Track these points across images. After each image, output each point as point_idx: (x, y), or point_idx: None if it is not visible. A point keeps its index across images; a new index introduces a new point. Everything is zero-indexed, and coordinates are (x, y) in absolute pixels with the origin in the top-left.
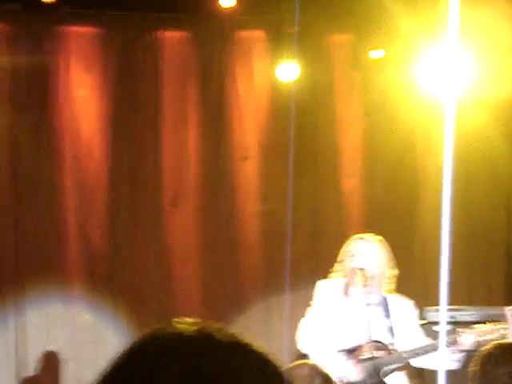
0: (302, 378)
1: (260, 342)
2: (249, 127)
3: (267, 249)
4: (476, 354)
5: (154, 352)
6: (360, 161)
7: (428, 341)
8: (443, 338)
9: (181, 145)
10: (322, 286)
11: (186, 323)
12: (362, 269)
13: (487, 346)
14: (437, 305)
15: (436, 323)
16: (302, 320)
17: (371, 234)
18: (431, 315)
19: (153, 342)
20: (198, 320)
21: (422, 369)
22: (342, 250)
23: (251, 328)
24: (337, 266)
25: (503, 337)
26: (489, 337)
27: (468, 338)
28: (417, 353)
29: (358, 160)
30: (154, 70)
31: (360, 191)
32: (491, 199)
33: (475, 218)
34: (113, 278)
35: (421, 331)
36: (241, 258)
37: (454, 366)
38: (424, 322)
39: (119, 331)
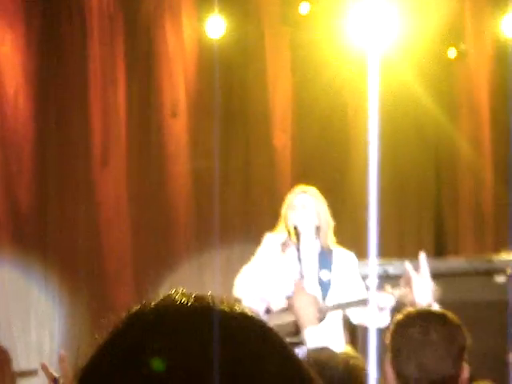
0: None
1: None
2: (178, 83)
3: (198, 206)
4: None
5: (149, 325)
6: (291, 116)
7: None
8: (372, 293)
9: (109, 102)
10: (266, 239)
11: (181, 295)
12: (300, 223)
13: (395, 318)
14: (366, 258)
15: (366, 277)
16: (244, 267)
17: (311, 187)
18: (362, 269)
19: (146, 314)
20: (190, 292)
21: (355, 326)
22: (284, 205)
23: (184, 285)
24: (280, 221)
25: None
26: (406, 298)
27: (385, 298)
28: (338, 307)
29: (288, 116)
30: (80, 27)
31: (291, 147)
32: (420, 154)
33: (404, 174)
34: (42, 240)
35: (361, 283)
36: (172, 215)
37: (381, 323)
38: None
39: (50, 293)
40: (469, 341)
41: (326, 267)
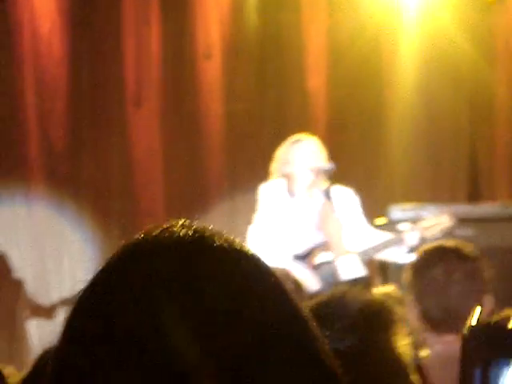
0: None
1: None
2: (212, 25)
3: (232, 148)
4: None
5: (147, 253)
6: (325, 59)
7: (372, 231)
8: (408, 236)
9: (143, 43)
10: (265, 190)
11: (179, 225)
12: (313, 168)
13: (416, 254)
14: (402, 202)
15: (400, 221)
16: (250, 228)
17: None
18: (395, 213)
19: (145, 243)
20: (191, 222)
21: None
22: (284, 153)
23: (217, 227)
24: (281, 168)
25: (446, 230)
26: (432, 231)
27: (412, 236)
28: (370, 253)
29: (322, 59)
30: None
31: (325, 91)
32: (455, 99)
33: (439, 118)
34: (75, 178)
35: (363, 218)
36: (205, 157)
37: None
38: (388, 220)
39: (83, 231)
40: (490, 272)
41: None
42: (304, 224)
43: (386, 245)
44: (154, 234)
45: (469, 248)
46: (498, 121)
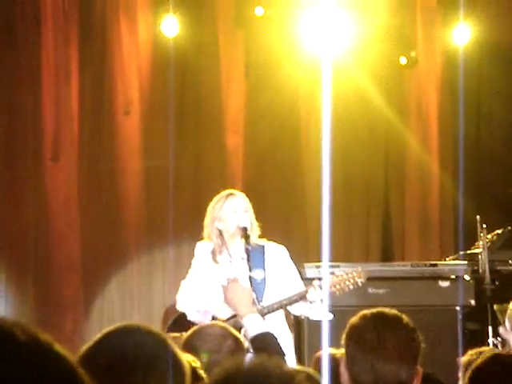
0: (214, 336)
1: (141, 296)
2: (131, 82)
3: (149, 205)
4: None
5: None
6: (243, 118)
7: (297, 290)
8: (324, 292)
9: (62, 99)
10: (198, 248)
11: (270, 363)
12: (246, 226)
13: (351, 320)
14: (316, 261)
15: (315, 279)
16: (182, 282)
17: (235, 190)
18: (311, 271)
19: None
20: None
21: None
22: (216, 207)
23: (134, 283)
24: (211, 226)
25: (357, 285)
26: (342, 286)
27: (313, 293)
28: (274, 307)
29: (241, 117)
30: (34, 23)
31: (244, 149)
32: (370, 160)
33: (354, 177)
34: None
35: (296, 275)
36: (123, 214)
37: (322, 317)
38: (302, 278)
39: None
40: (422, 344)
41: (259, 266)
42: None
43: (290, 300)
44: (246, 368)
45: (406, 318)
46: (411, 180)
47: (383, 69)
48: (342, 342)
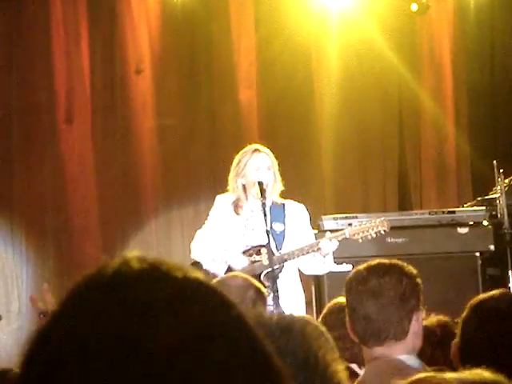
0: (236, 288)
1: (160, 255)
2: (142, 40)
3: (164, 162)
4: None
5: (105, 287)
6: (255, 72)
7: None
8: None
9: (73, 60)
10: (219, 200)
11: (134, 258)
12: (261, 181)
13: (351, 273)
14: (334, 212)
15: (332, 231)
16: (197, 231)
17: (261, 146)
18: (327, 223)
19: (102, 278)
20: (145, 255)
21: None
22: (240, 163)
23: (152, 241)
24: (235, 180)
25: (379, 233)
26: (364, 233)
27: (326, 244)
28: (295, 254)
29: (253, 71)
30: None
31: (256, 101)
32: (382, 108)
33: (368, 127)
34: (8, 198)
35: (312, 234)
36: (138, 171)
37: (337, 267)
38: (319, 230)
39: (17, 250)
40: (420, 287)
41: (279, 220)
42: (244, 235)
43: (302, 250)
44: (110, 268)
45: (407, 266)
46: (425, 129)
47: (394, 16)
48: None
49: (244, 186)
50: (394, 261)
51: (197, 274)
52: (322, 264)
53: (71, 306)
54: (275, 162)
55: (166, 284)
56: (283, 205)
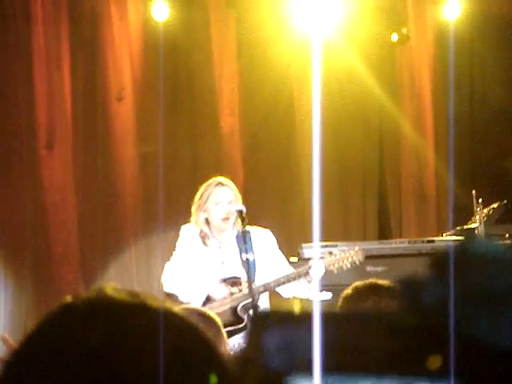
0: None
1: (140, 282)
2: (123, 67)
3: (145, 190)
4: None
5: (82, 316)
6: (237, 100)
7: (291, 269)
8: (316, 272)
9: (54, 86)
10: (185, 231)
11: (113, 289)
12: (241, 210)
13: (344, 292)
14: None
15: (311, 259)
16: (167, 264)
17: (223, 177)
18: (307, 251)
19: (79, 305)
20: (121, 287)
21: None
22: (202, 197)
23: (133, 269)
24: (197, 214)
25: (355, 264)
26: (340, 264)
27: (316, 270)
28: (281, 281)
29: (235, 99)
30: (24, 11)
31: (238, 130)
32: (363, 136)
33: (348, 156)
34: None
35: (283, 258)
36: (119, 199)
37: (318, 295)
38: (299, 258)
39: None
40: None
41: (247, 249)
42: (214, 267)
43: (289, 277)
44: (87, 297)
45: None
46: (406, 158)
47: (375, 46)
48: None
49: (207, 220)
50: (387, 281)
51: (170, 305)
52: (306, 290)
53: (40, 336)
54: (238, 195)
55: (144, 313)
56: (248, 232)
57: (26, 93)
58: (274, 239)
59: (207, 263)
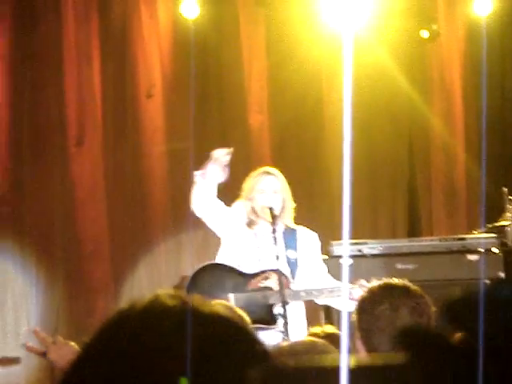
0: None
1: (170, 279)
2: (153, 64)
3: (174, 187)
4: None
5: (137, 324)
6: (266, 97)
7: (328, 278)
8: (345, 274)
9: (84, 83)
10: (236, 206)
11: (166, 296)
12: (271, 207)
13: (360, 295)
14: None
15: (341, 257)
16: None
17: (274, 168)
18: (337, 249)
19: (134, 314)
20: (177, 292)
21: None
22: (247, 186)
23: (162, 266)
24: (243, 203)
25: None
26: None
27: (356, 292)
28: (313, 294)
29: (264, 96)
30: (54, 6)
31: (267, 127)
32: (393, 133)
33: (378, 153)
34: (18, 220)
35: (322, 264)
36: (148, 197)
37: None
38: (329, 256)
39: (27, 275)
40: (433, 308)
41: (292, 247)
42: (259, 255)
43: (320, 292)
44: (142, 304)
45: (413, 285)
46: (436, 155)
47: (405, 43)
48: (353, 318)
49: (253, 209)
50: (402, 281)
51: (219, 309)
52: (337, 300)
53: (103, 340)
54: (285, 186)
55: (195, 319)
56: (295, 231)
57: (56, 90)
58: (319, 244)
59: (244, 241)
